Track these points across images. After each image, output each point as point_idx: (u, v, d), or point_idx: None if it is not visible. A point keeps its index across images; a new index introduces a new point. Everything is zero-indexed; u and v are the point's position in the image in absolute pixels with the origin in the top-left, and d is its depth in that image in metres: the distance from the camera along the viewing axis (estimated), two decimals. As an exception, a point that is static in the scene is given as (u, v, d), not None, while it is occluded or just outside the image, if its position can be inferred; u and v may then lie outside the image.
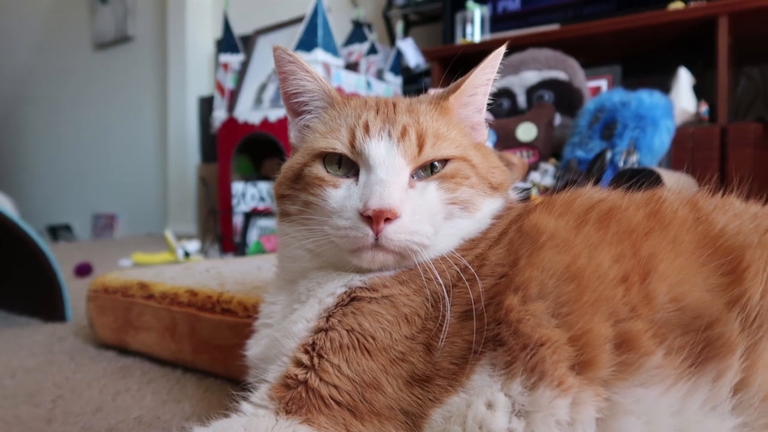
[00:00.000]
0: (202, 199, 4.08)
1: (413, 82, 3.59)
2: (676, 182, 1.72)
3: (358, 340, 0.64)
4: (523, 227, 0.68)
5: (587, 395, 0.53)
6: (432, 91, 2.36)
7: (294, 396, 0.63)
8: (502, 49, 0.77)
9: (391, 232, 0.64)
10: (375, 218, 0.64)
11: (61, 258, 1.78)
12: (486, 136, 0.82)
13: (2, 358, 1.34)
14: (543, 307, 0.59)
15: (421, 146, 0.69)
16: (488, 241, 0.71)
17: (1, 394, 1.09)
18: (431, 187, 0.69)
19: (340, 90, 3.08)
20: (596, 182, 1.85)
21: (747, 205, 0.68)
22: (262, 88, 3.30)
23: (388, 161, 0.68)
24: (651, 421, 0.51)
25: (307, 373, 0.64)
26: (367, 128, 0.70)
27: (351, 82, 3.18)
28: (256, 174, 3.54)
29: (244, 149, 3.40)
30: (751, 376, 0.50)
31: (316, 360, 0.64)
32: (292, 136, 0.82)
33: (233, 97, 3.43)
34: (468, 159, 0.73)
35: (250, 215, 3.21)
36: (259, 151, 3.49)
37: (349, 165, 0.71)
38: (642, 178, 1.57)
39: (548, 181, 2.01)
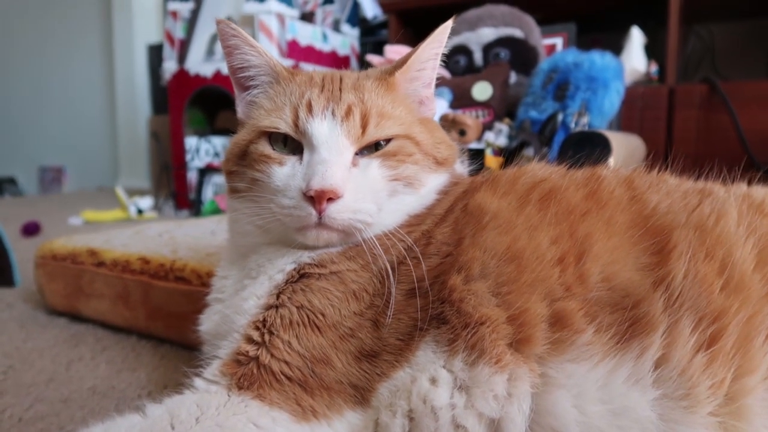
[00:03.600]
0: (154, 152, 3.96)
1: (371, 34, 3.51)
2: (624, 145, 1.78)
3: (308, 316, 0.66)
4: (468, 207, 0.70)
5: (523, 371, 0.57)
6: (385, 50, 2.30)
7: (246, 372, 0.65)
8: (449, 23, 0.77)
9: (334, 212, 0.66)
10: (317, 198, 0.65)
11: (6, 215, 1.72)
12: (434, 111, 0.83)
13: (-52, 326, 1.30)
14: (484, 286, 0.61)
15: (364, 126, 0.70)
16: (434, 217, 0.73)
17: (-52, 366, 1.07)
18: (374, 164, 0.70)
19: (294, 43, 2.97)
20: (548, 144, 1.88)
21: (680, 181, 0.72)
22: (214, 38, 3.17)
23: (331, 141, 0.68)
24: (580, 394, 0.55)
25: (258, 349, 0.66)
26: (310, 107, 0.70)
27: (306, 33, 3.09)
28: (209, 128, 3.45)
29: (196, 102, 3.30)
30: (670, 352, 0.53)
31: (266, 337, 0.66)
32: (240, 110, 0.81)
33: (183, 48, 3.29)
34: (412, 136, 0.73)
35: (205, 171, 3.15)
36: (213, 104, 3.39)
37: (294, 143, 0.72)
38: (591, 143, 1.62)
39: (502, 141, 2.03)
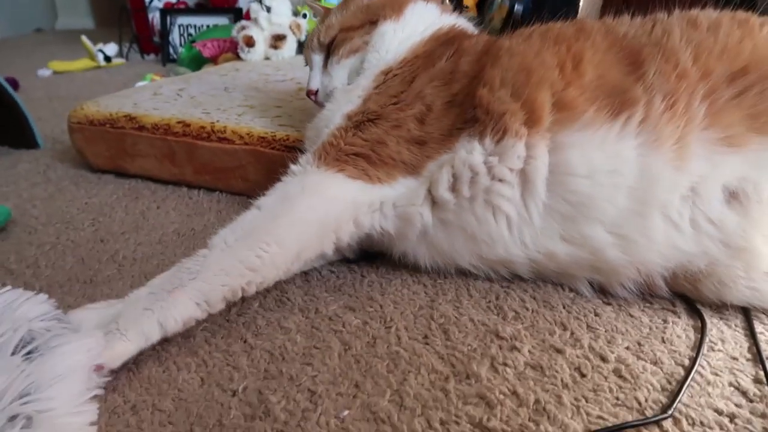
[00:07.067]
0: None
1: None
2: (590, 2, 1.94)
3: (365, 116, 0.97)
4: (490, 49, 0.98)
5: (536, 140, 0.85)
6: None
7: (327, 153, 0.94)
8: None
9: (317, 99, 1.17)
10: (308, 95, 1.18)
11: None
12: None
13: (5, 190, 1.44)
14: (505, 92, 0.88)
15: (318, 40, 1.14)
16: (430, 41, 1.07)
17: (39, 223, 1.24)
18: (332, 61, 1.13)
19: None
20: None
21: (633, 18, 0.98)
22: None
23: (312, 59, 1.17)
24: (585, 149, 0.84)
25: (336, 139, 0.96)
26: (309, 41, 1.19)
27: None
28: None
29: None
30: (648, 115, 0.82)
31: (342, 132, 0.96)
32: None
33: None
34: (345, 27, 1.11)
35: (167, 12, 3.08)
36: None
37: None
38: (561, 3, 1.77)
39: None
